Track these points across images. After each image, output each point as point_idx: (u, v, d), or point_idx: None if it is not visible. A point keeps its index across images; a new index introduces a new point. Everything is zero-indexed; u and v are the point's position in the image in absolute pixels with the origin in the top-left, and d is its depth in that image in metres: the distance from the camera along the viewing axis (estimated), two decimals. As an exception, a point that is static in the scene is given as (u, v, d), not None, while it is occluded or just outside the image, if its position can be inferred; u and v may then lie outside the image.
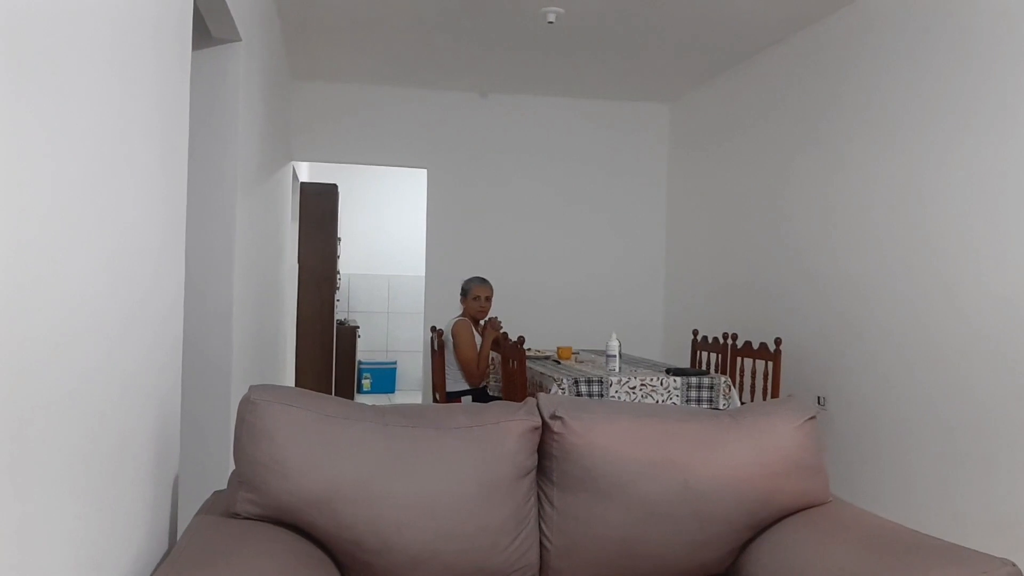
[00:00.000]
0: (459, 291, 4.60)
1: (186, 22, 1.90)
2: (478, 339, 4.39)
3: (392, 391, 8.20)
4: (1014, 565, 1.58)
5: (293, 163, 5.91)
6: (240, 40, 2.82)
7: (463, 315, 4.45)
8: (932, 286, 3.35)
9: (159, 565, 1.44)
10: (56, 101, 1.06)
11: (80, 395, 1.18)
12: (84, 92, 1.17)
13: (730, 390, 3.75)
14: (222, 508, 1.66)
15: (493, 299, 4.52)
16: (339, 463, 1.61)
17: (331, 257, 6.63)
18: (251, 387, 1.66)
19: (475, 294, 4.41)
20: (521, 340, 3.83)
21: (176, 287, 1.83)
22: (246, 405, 1.63)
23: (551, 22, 3.64)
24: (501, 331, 4.32)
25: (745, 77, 5.04)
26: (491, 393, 4.55)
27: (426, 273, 5.90)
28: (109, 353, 1.32)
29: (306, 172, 7.45)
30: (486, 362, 4.29)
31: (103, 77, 1.25)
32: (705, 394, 3.68)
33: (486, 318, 4.44)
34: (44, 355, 1.04)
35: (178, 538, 1.61)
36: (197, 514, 1.67)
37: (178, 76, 1.82)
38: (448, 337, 4.40)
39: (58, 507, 1.10)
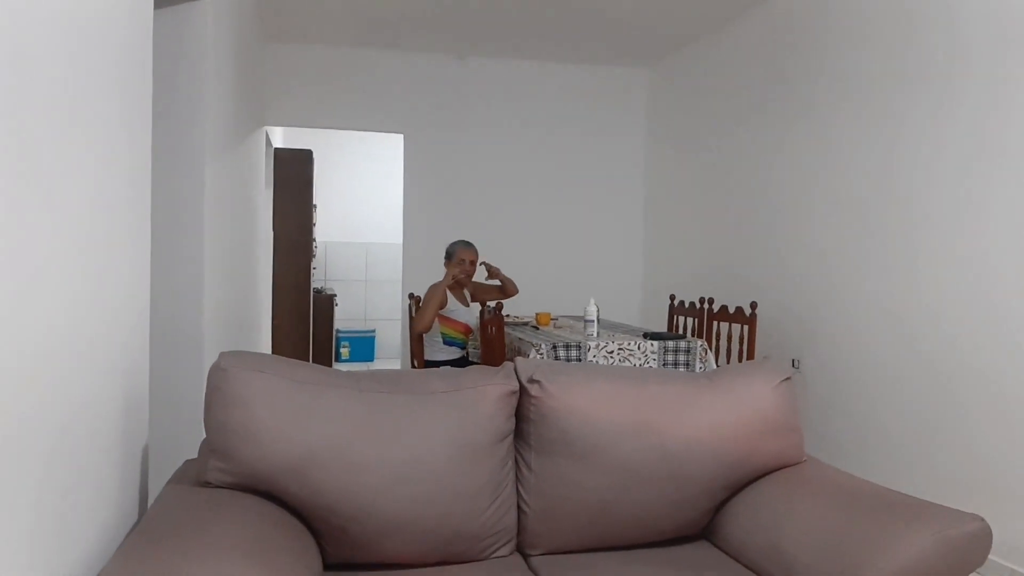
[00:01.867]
0: (442, 256, 4.54)
1: (145, -24, 1.82)
2: (457, 306, 4.34)
3: (371, 359, 8.18)
4: (982, 520, 1.60)
5: (267, 128, 5.78)
6: (205, -2, 2.73)
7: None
8: (904, 249, 3.36)
9: (128, 535, 1.41)
10: (5, 64, 1.00)
11: (39, 362, 1.14)
12: (35, 54, 1.11)
13: (706, 353, 3.77)
14: (193, 477, 1.63)
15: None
16: (313, 429, 1.59)
17: (307, 225, 6.53)
18: (221, 354, 1.62)
19: (460, 257, 4.36)
20: (500, 306, 3.81)
21: (142, 253, 1.78)
22: (216, 372, 1.59)
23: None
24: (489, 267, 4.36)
25: (725, 41, 4.99)
26: (472, 360, 4.54)
27: (403, 240, 5.84)
28: (70, 320, 1.28)
29: (280, 138, 7.31)
30: (430, 313, 4.16)
31: (54, 38, 1.19)
32: (682, 358, 3.70)
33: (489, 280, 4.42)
34: (1, 317, 1.00)
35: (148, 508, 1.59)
36: (168, 483, 1.64)
37: (139, 36, 1.75)
38: None
39: (16, 476, 1.07)
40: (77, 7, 1.30)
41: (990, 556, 2.87)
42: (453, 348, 4.34)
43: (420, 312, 4.20)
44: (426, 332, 4.24)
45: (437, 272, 5.63)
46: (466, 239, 4.68)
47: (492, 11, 4.77)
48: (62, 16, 1.23)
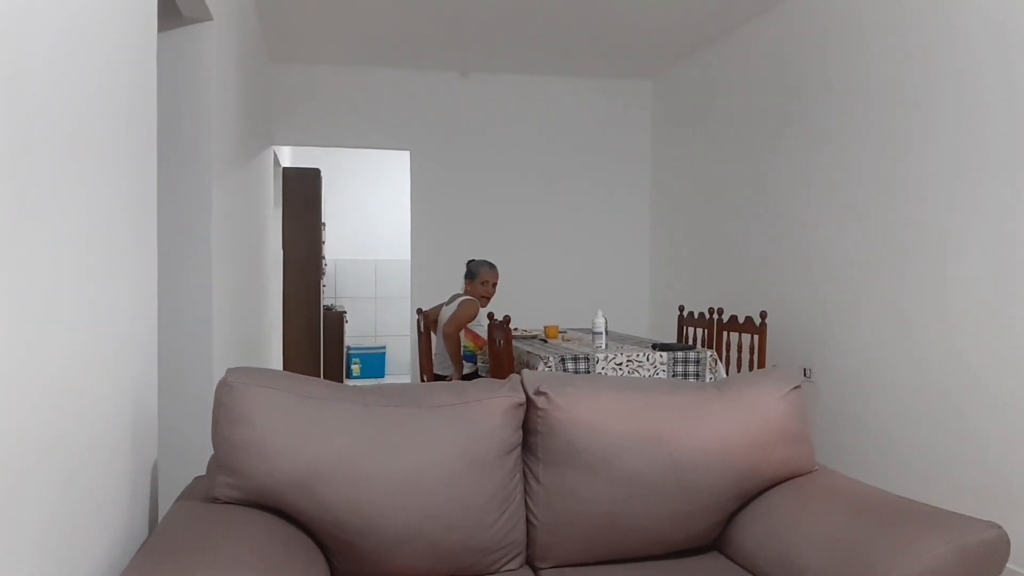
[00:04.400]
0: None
1: (150, -1, 1.85)
2: (485, 321, 4.35)
3: (382, 375, 8.19)
4: (999, 527, 1.58)
5: (275, 148, 5.84)
6: (211, 19, 2.76)
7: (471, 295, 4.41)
8: (915, 257, 3.35)
9: (137, 552, 1.41)
10: (4, 85, 1.02)
11: (50, 382, 1.15)
12: (35, 75, 1.12)
13: (716, 364, 3.75)
14: (202, 493, 1.64)
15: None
16: (319, 444, 1.59)
17: (316, 243, 6.58)
18: (228, 370, 1.63)
19: (484, 278, 4.37)
20: (507, 319, 3.81)
21: (148, 275, 1.79)
22: (223, 388, 1.60)
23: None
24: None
25: (727, 51, 5.00)
26: (482, 375, 4.54)
27: (411, 257, 5.86)
28: (81, 340, 1.28)
29: (288, 157, 7.37)
30: (456, 344, 4.23)
31: (56, 59, 1.21)
32: (692, 368, 3.68)
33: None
34: (14, 340, 1.01)
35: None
36: (177, 500, 1.64)
37: (143, 57, 1.77)
38: (448, 311, 4.34)
39: (29, 494, 1.07)
40: (79, 28, 1.32)
41: (1008, 564, 2.83)
42: (467, 362, 4.36)
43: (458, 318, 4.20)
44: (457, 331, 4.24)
45: (446, 287, 5.64)
46: (489, 260, 4.68)
47: (495, 27, 4.80)
48: (63, 37, 1.25)
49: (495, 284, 4.40)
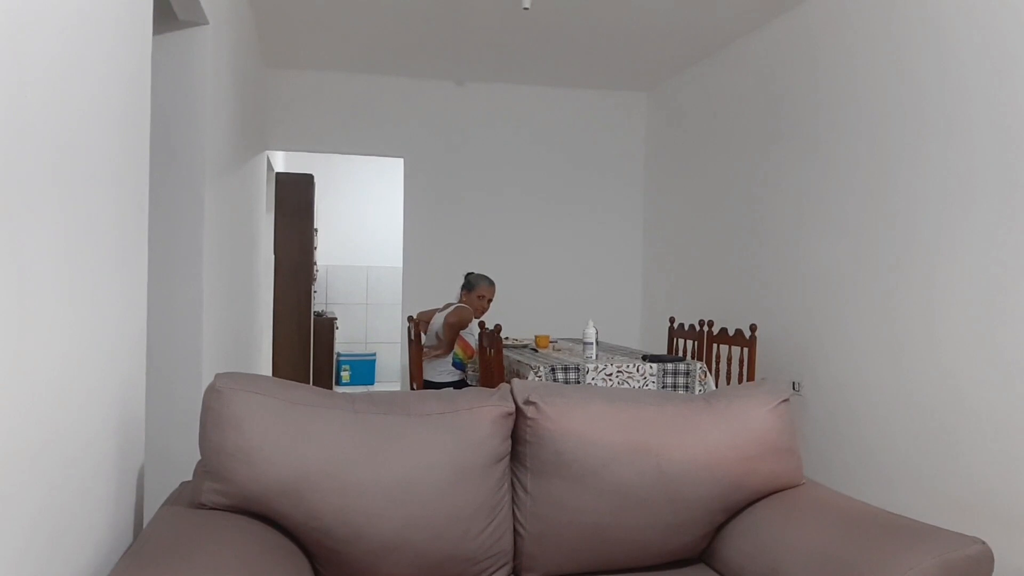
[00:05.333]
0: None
1: (146, 2, 1.85)
2: (475, 329, 4.36)
3: (372, 383, 8.16)
4: (983, 543, 1.59)
5: (268, 153, 5.83)
6: (207, 23, 2.76)
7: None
8: (905, 272, 3.37)
9: (122, 558, 1.40)
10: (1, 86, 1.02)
11: (37, 386, 1.14)
12: (28, 76, 1.12)
13: (706, 376, 3.75)
14: (188, 499, 1.63)
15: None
16: (307, 451, 1.58)
17: (308, 248, 6.56)
18: (217, 375, 1.62)
19: (481, 293, 4.39)
20: (498, 328, 3.81)
21: (138, 279, 1.78)
22: (211, 393, 1.59)
23: (527, 8, 3.61)
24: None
25: (722, 65, 5.04)
26: (471, 383, 4.53)
27: (403, 264, 5.86)
28: (68, 344, 1.28)
29: (282, 162, 7.36)
30: (454, 332, 4.32)
31: (48, 63, 1.21)
32: (681, 380, 3.69)
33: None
34: (0, 345, 1.01)
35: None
36: (163, 505, 1.63)
37: (138, 60, 1.77)
38: (442, 315, 4.36)
39: (14, 498, 1.07)
40: (74, 31, 1.32)
41: (994, 581, 2.84)
42: (457, 370, 4.37)
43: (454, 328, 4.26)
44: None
45: (438, 295, 5.65)
46: (488, 276, 4.71)
47: (492, 37, 4.82)
48: (59, 40, 1.25)
49: (490, 300, 4.42)
